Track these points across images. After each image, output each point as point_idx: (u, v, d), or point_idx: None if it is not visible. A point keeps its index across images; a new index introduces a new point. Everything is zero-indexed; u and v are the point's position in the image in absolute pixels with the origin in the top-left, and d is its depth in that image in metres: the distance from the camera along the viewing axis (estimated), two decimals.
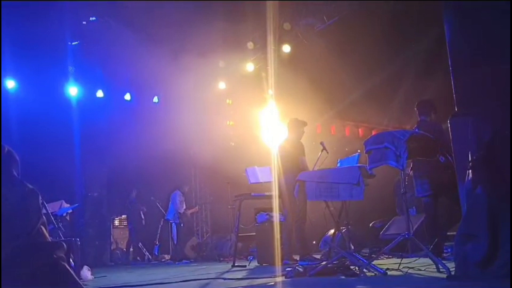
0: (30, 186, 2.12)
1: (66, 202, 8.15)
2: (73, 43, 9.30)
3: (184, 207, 11.02)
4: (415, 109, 6.04)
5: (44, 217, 2.11)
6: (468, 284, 3.18)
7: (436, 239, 5.48)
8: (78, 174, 10.34)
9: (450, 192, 5.09)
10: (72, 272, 2.03)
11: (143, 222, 10.98)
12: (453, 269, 3.56)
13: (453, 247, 3.83)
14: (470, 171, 3.53)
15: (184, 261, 9.78)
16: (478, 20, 3.75)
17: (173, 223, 10.79)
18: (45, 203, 6.30)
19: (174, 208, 10.83)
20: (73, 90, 10.23)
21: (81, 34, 9.18)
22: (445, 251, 5.68)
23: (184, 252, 10.47)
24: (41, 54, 8.87)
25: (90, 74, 10.08)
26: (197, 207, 11.58)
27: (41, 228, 2.03)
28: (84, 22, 8.91)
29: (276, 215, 6.62)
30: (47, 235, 2.05)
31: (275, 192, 6.62)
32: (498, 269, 3.14)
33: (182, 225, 10.80)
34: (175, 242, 10.74)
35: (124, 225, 11.18)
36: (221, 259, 8.97)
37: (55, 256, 1.99)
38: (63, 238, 6.07)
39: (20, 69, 9.04)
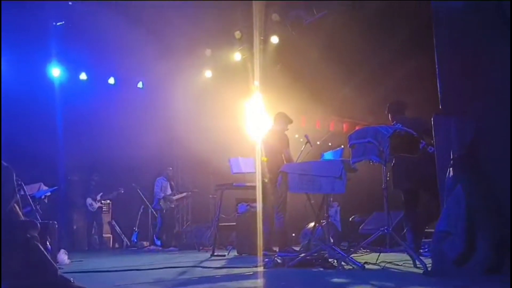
0: (5, 164, 2.06)
1: (45, 185, 8.04)
2: (58, 24, 9.11)
3: (170, 192, 10.83)
4: (387, 112, 6.03)
5: (18, 195, 2.06)
6: (444, 280, 3.22)
7: (407, 230, 5.53)
8: (59, 157, 10.21)
9: (430, 187, 5.11)
10: (45, 252, 1.99)
11: (92, 209, 10.63)
12: (430, 265, 3.61)
13: (431, 244, 3.88)
14: (450, 169, 3.57)
15: (171, 248, 9.70)
16: (467, 22, 3.77)
17: (157, 210, 10.70)
18: (23, 185, 6.22)
19: (155, 195, 10.74)
20: (55, 71, 10.05)
21: (66, 14, 8.99)
22: (422, 247, 5.75)
23: (168, 240, 10.34)
24: (25, 33, 8.68)
25: (73, 56, 9.89)
26: (185, 193, 11.29)
27: (14, 207, 1.98)
28: (70, 3, 8.72)
29: (258, 206, 6.62)
30: (20, 213, 2.00)
31: (258, 183, 6.60)
32: (473, 267, 3.19)
33: (164, 211, 10.65)
34: (158, 229, 10.63)
35: (104, 211, 11.05)
36: (201, 248, 8.95)
37: (28, 235, 1.95)
38: (40, 220, 5.98)
39: (2, 47, 8.83)
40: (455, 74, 3.81)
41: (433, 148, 5.04)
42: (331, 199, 7.31)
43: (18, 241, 1.92)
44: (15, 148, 7.99)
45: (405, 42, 8.15)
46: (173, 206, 10.78)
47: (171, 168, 11.03)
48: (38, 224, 2.02)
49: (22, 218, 2.02)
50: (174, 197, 10.77)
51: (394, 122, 5.78)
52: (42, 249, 1.98)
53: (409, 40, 7.99)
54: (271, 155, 6.61)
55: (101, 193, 10.74)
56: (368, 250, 5.78)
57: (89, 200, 10.59)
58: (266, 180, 6.54)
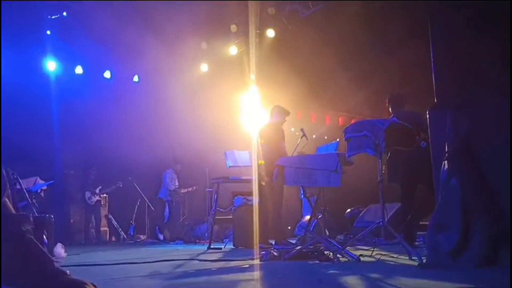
0: None
1: (42, 179, 8.03)
2: (53, 17, 9.05)
3: (177, 185, 10.88)
4: (388, 103, 6.04)
5: (10, 190, 2.04)
6: (438, 272, 3.24)
7: (405, 225, 5.56)
8: (55, 151, 10.17)
9: (427, 180, 5.12)
10: (40, 246, 1.99)
11: (91, 202, 10.58)
12: (425, 257, 3.63)
13: (426, 236, 3.90)
14: (445, 162, 3.59)
15: (177, 241, 9.64)
16: (462, 16, 3.78)
17: (166, 201, 10.70)
18: (19, 178, 6.20)
19: (165, 186, 10.76)
20: (51, 65, 10.00)
21: (62, 7, 8.93)
22: (417, 240, 5.79)
23: (177, 232, 10.33)
24: (20, 26, 8.62)
25: (69, 49, 9.84)
26: (194, 187, 11.29)
27: (6, 201, 1.96)
28: None
29: (254, 199, 6.64)
30: (11, 207, 1.99)
31: (254, 177, 6.62)
32: (468, 260, 3.21)
33: (174, 203, 10.67)
34: (166, 221, 10.63)
35: (102, 204, 11.04)
36: (197, 241, 8.98)
37: (23, 228, 1.94)
38: (37, 214, 5.97)
39: None
40: (450, 68, 3.82)
41: (426, 144, 5.07)
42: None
43: (12, 235, 1.91)
44: (11, 142, 7.96)
45: (401, 35, 8.14)
46: (178, 199, 10.86)
47: (180, 165, 11.08)
48: (31, 218, 2.01)
49: (14, 212, 2.00)
50: (182, 191, 10.86)
51: (392, 115, 5.81)
52: (37, 242, 1.97)
53: (406, 34, 7.98)
54: (268, 148, 6.62)
55: (99, 187, 10.73)
56: (363, 243, 5.82)
57: (87, 194, 10.58)
58: (263, 183, 6.54)
